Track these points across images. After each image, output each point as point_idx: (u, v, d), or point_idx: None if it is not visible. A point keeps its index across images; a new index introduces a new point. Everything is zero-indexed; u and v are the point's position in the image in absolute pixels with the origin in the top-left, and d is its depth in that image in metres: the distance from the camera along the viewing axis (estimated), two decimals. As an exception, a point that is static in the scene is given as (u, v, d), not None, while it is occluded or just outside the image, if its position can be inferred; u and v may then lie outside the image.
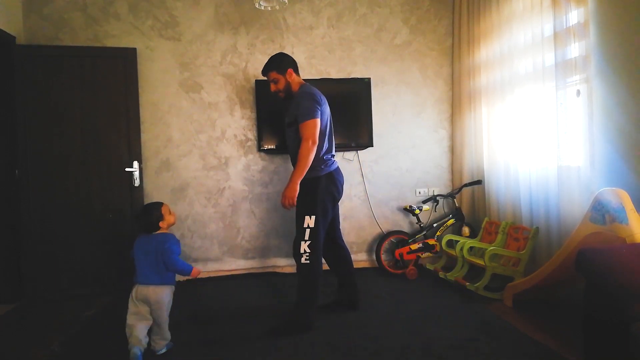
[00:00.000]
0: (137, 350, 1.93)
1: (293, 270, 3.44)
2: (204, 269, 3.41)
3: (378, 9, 3.57)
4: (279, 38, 3.46)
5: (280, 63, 2.39)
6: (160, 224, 2.13)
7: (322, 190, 2.32)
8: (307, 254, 2.26)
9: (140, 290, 2.02)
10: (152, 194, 3.30)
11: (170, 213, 2.20)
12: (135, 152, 3.16)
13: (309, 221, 2.27)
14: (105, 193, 3.10)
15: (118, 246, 3.11)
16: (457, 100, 3.62)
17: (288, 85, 2.41)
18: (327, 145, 2.41)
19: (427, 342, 2.08)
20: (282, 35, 3.46)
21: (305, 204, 2.31)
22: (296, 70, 2.44)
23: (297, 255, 2.29)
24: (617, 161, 2.19)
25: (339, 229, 2.62)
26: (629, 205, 1.84)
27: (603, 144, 2.26)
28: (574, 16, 2.36)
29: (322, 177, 2.34)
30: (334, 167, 2.42)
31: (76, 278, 3.06)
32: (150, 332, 2.05)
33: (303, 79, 3.54)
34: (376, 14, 3.57)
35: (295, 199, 2.25)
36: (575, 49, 2.38)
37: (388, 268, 3.38)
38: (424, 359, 1.92)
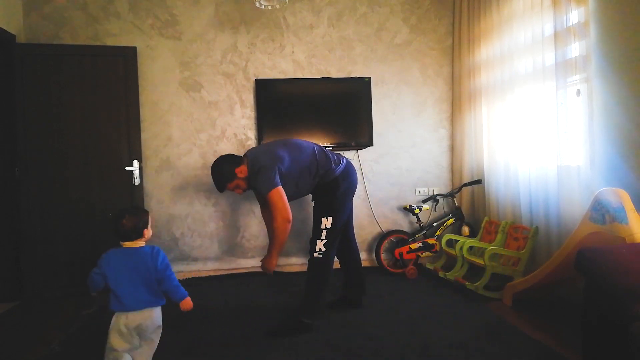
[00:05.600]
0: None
1: (293, 269, 3.45)
2: (204, 268, 3.42)
3: (378, 9, 3.57)
4: (279, 37, 3.45)
5: (227, 172, 2.29)
6: (145, 232, 1.78)
7: (339, 192, 2.36)
8: (322, 252, 2.29)
9: (132, 318, 1.65)
10: (152, 193, 3.30)
11: (150, 226, 1.84)
12: (135, 151, 3.16)
13: (326, 222, 2.30)
14: (105, 192, 3.10)
15: (118, 245, 3.11)
16: (457, 100, 3.62)
17: (246, 179, 2.32)
18: (322, 159, 2.38)
19: (426, 342, 2.08)
20: (283, 35, 3.46)
21: (322, 206, 2.35)
22: (238, 162, 2.31)
23: (312, 252, 2.32)
24: (617, 161, 2.19)
25: (352, 227, 2.64)
26: (629, 205, 1.84)
27: (603, 144, 2.26)
28: (574, 16, 2.36)
29: (337, 178, 2.37)
30: (343, 165, 2.43)
31: (76, 276, 3.05)
32: None
33: (303, 79, 3.56)
34: (376, 14, 3.57)
35: (273, 268, 2.33)
36: (575, 49, 2.37)
37: (388, 267, 3.38)
38: (423, 358, 1.92)
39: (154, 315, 1.73)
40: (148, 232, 1.81)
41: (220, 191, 2.39)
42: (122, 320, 1.65)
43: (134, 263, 1.71)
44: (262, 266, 2.37)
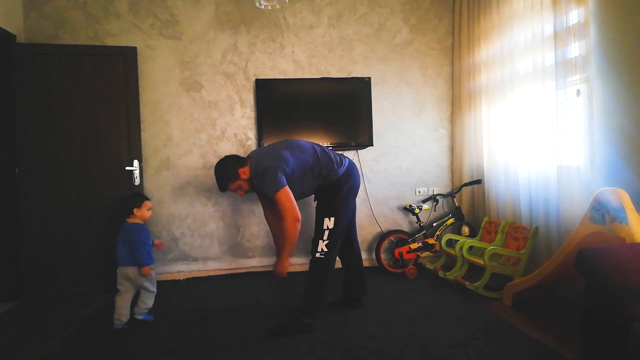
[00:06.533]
0: (140, 316, 2.45)
1: (294, 269, 3.45)
2: (204, 268, 3.42)
3: (378, 8, 3.57)
4: (279, 37, 3.45)
5: (230, 173, 2.31)
6: (135, 211, 2.48)
7: (342, 193, 2.36)
8: (324, 252, 2.29)
9: (121, 271, 2.42)
10: (153, 193, 3.30)
11: (148, 209, 2.55)
12: (135, 150, 3.16)
13: (328, 223, 2.30)
14: (105, 191, 3.10)
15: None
16: (457, 100, 3.62)
17: (249, 180, 2.34)
18: (324, 160, 2.37)
19: (426, 341, 2.09)
20: (283, 35, 3.46)
21: (325, 207, 2.35)
22: (242, 163, 2.33)
23: (314, 252, 2.32)
24: (617, 161, 2.19)
25: (355, 227, 2.64)
26: (629, 205, 1.84)
27: (603, 144, 2.26)
28: (574, 16, 2.36)
29: (340, 179, 2.36)
30: (345, 165, 2.43)
31: (75, 276, 3.06)
32: (135, 300, 2.47)
33: (303, 79, 3.56)
34: (376, 13, 3.57)
35: (286, 273, 2.31)
36: (575, 49, 2.37)
37: (388, 267, 3.38)
38: (423, 358, 1.92)
39: (136, 271, 2.40)
40: (139, 212, 2.49)
41: (222, 191, 2.39)
42: (118, 269, 2.44)
43: (124, 233, 2.44)
44: (275, 270, 2.34)
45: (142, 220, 2.51)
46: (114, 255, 2.45)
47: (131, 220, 2.49)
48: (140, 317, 2.46)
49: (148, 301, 2.48)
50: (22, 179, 2.96)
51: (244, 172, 2.31)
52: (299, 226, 2.21)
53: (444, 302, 2.65)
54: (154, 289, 2.52)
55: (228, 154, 3.36)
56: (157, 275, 3.29)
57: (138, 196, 2.61)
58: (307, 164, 2.34)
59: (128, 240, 2.40)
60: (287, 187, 2.20)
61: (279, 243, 2.56)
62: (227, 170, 2.32)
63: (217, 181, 2.36)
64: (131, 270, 2.40)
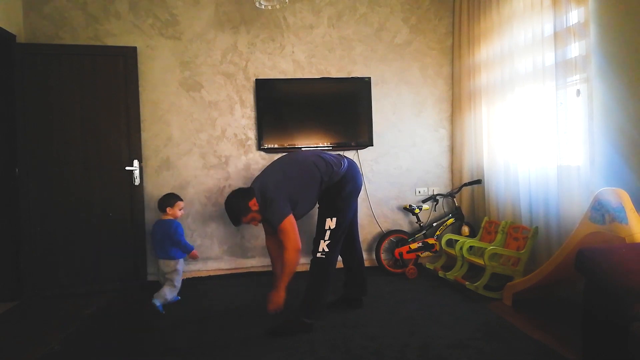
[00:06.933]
0: (156, 301, 2.57)
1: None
2: (204, 268, 3.42)
3: (378, 9, 3.57)
4: (279, 37, 3.45)
5: (241, 207, 2.32)
6: (168, 209, 2.77)
7: (344, 193, 2.36)
8: (325, 252, 2.29)
9: (160, 262, 2.73)
10: (153, 193, 3.30)
11: (180, 209, 2.83)
12: (135, 150, 3.16)
13: (330, 223, 2.31)
14: (105, 192, 3.10)
15: (118, 245, 3.11)
16: (457, 100, 3.62)
17: (259, 211, 2.34)
18: (323, 167, 2.37)
19: (426, 341, 2.09)
20: (283, 35, 3.46)
21: (327, 207, 2.36)
22: (250, 196, 2.33)
23: (315, 252, 2.33)
24: (617, 161, 2.19)
25: (357, 226, 2.65)
26: (629, 205, 1.84)
27: (603, 144, 2.26)
28: (574, 16, 2.36)
29: (341, 180, 2.37)
30: (345, 165, 2.43)
31: (76, 276, 3.06)
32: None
33: (303, 79, 3.57)
34: (376, 14, 3.57)
35: (281, 304, 2.30)
36: (575, 49, 2.38)
37: (388, 267, 3.38)
38: (423, 358, 1.92)
39: (167, 264, 2.70)
40: (171, 211, 2.78)
41: (236, 225, 2.42)
42: (158, 263, 2.76)
43: (158, 230, 2.74)
44: (270, 301, 2.32)
45: (173, 217, 2.78)
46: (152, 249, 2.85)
47: (164, 217, 2.77)
48: (156, 302, 2.56)
49: (169, 294, 2.65)
50: (22, 179, 2.96)
51: (254, 203, 2.33)
52: (299, 256, 2.26)
53: (444, 302, 2.65)
54: (178, 285, 2.72)
55: (228, 154, 3.41)
56: (156, 275, 3.31)
57: (172, 196, 2.85)
58: (308, 176, 2.35)
59: (164, 235, 2.68)
60: (290, 216, 2.25)
61: (277, 272, 2.56)
62: (238, 205, 2.33)
63: (230, 217, 2.37)
64: (161, 262, 2.71)
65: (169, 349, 2.11)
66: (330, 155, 2.48)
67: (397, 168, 3.65)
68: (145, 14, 3.29)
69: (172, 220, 2.75)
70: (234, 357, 2.00)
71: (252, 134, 3.45)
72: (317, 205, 2.46)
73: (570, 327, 2.12)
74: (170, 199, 2.80)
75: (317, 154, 2.46)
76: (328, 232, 2.30)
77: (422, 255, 3.34)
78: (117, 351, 2.11)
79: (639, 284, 1.47)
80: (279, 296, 2.29)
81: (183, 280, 3.32)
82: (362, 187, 3.52)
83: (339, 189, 2.36)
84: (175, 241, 2.68)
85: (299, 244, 2.25)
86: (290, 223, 2.24)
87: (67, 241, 3.05)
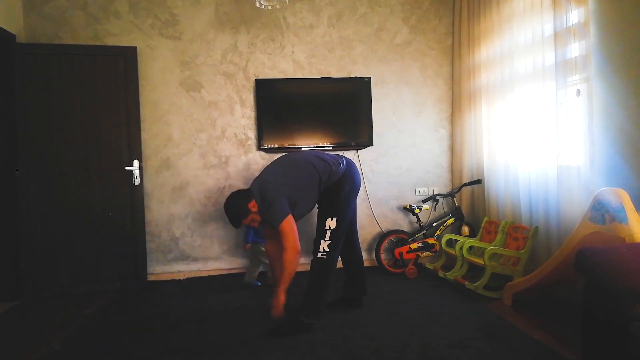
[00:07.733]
0: (250, 280, 3.13)
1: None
2: (204, 268, 3.42)
3: (378, 9, 3.57)
4: (279, 37, 3.45)
5: (241, 209, 2.32)
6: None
7: (344, 193, 2.36)
8: (325, 252, 2.30)
9: (252, 248, 3.16)
10: (153, 193, 3.30)
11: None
12: (135, 150, 3.16)
13: (330, 223, 2.31)
14: (106, 191, 3.10)
15: (118, 245, 3.12)
16: (457, 100, 3.62)
17: (258, 212, 2.33)
18: (321, 167, 2.38)
19: (426, 341, 2.09)
20: (283, 35, 3.46)
21: (327, 207, 2.36)
22: (249, 198, 2.32)
23: (315, 252, 2.33)
24: (617, 161, 2.19)
25: (356, 226, 2.65)
26: (629, 205, 1.84)
27: (603, 144, 2.26)
28: (574, 16, 2.36)
29: (340, 180, 2.37)
30: (344, 165, 2.43)
31: (76, 276, 3.06)
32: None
33: (303, 79, 3.56)
34: (376, 14, 3.57)
35: (282, 308, 2.30)
36: (575, 49, 2.38)
37: (388, 267, 3.38)
38: (423, 358, 1.93)
39: (259, 247, 3.10)
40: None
41: (236, 227, 2.41)
42: (252, 248, 3.18)
43: None
44: (271, 305, 2.33)
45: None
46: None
47: None
48: (245, 279, 3.15)
49: (253, 273, 3.16)
50: (22, 179, 2.96)
51: (253, 205, 2.32)
52: (298, 258, 2.26)
53: (444, 302, 2.65)
54: (265, 261, 3.07)
55: (228, 154, 3.41)
56: (156, 275, 3.36)
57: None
58: (306, 177, 2.35)
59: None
60: (290, 216, 2.25)
61: (276, 276, 2.55)
62: (238, 207, 2.33)
63: (230, 220, 2.37)
64: (248, 245, 3.15)
65: (169, 349, 2.11)
66: (329, 155, 2.48)
67: (397, 168, 3.65)
68: (145, 13, 3.29)
69: None
70: (234, 357, 2.00)
71: (252, 133, 3.45)
72: (317, 206, 2.46)
73: (570, 327, 2.12)
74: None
75: (316, 154, 2.46)
76: (328, 232, 2.30)
77: (422, 255, 3.34)
78: (117, 351, 2.11)
79: (639, 284, 1.47)
80: (279, 299, 2.30)
81: (183, 280, 3.35)
82: (363, 188, 3.55)
83: (338, 189, 2.36)
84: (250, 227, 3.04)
85: (299, 246, 2.25)
86: (289, 224, 2.24)
87: (67, 241, 3.05)
